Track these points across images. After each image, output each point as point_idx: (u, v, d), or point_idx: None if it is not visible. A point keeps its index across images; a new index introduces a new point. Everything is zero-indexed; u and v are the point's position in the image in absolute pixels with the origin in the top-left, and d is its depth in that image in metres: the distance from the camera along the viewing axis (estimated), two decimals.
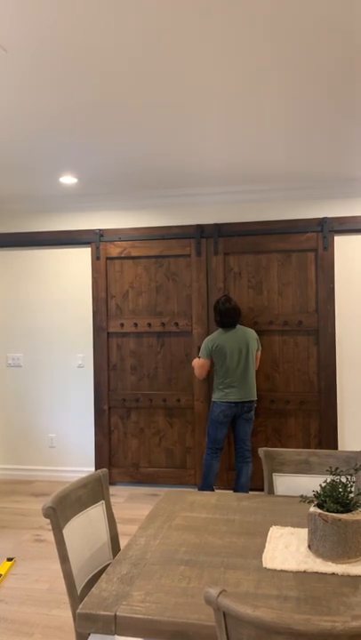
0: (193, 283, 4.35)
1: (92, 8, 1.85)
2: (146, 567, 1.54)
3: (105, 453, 4.50)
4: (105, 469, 2.04)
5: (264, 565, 1.53)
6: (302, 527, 1.80)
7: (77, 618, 1.32)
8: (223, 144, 3.25)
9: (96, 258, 4.51)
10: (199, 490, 3.82)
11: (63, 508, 1.76)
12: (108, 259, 4.51)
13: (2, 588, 2.80)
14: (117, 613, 1.30)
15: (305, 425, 4.21)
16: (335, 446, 4.17)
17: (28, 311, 4.70)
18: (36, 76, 2.34)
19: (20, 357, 4.70)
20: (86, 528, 1.87)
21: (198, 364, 3.86)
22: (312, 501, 1.63)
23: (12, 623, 2.46)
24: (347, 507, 1.57)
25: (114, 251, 4.48)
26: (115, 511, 3.75)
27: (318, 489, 2.17)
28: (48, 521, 3.45)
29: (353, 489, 2.05)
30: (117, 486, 4.48)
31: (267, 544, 1.67)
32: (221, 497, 2.14)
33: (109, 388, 4.50)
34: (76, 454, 4.61)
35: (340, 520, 1.51)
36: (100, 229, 4.48)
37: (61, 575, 2.59)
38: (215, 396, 3.80)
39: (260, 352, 3.96)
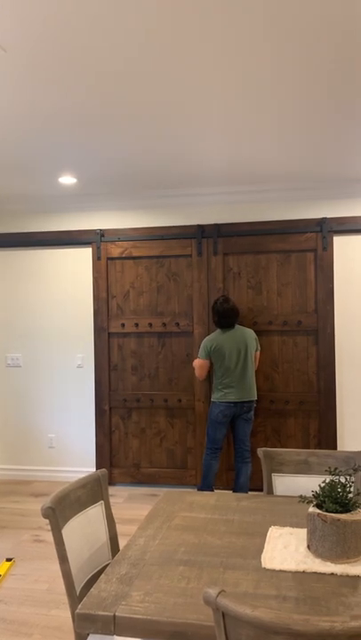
0: (194, 283, 4.35)
1: (89, 8, 1.85)
2: (145, 567, 1.54)
3: (106, 454, 4.50)
4: (104, 469, 2.04)
5: (263, 565, 1.53)
6: (301, 527, 1.80)
7: (76, 618, 1.32)
8: (223, 144, 3.25)
9: (97, 258, 4.51)
10: (198, 490, 3.82)
11: (62, 508, 1.76)
12: (108, 259, 4.51)
13: (1, 589, 2.80)
14: (116, 614, 1.30)
15: (304, 425, 4.21)
16: (334, 446, 4.17)
17: (27, 311, 4.70)
18: (33, 76, 2.35)
19: (20, 358, 4.70)
20: (85, 528, 1.87)
21: (198, 364, 3.86)
22: (311, 501, 1.63)
23: (12, 623, 2.46)
24: (346, 507, 1.57)
25: (115, 251, 4.48)
26: (114, 511, 3.75)
27: (317, 489, 2.17)
28: (47, 521, 3.45)
29: (352, 489, 2.06)
30: (117, 486, 4.47)
31: (266, 544, 1.67)
32: (221, 497, 2.14)
33: (110, 388, 4.50)
34: (75, 454, 4.61)
35: (339, 520, 1.51)
36: (100, 229, 4.48)
37: (60, 575, 2.59)
38: (214, 397, 3.81)
39: (259, 352, 3.96)
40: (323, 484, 1.65)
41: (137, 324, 4.44)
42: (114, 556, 1.91)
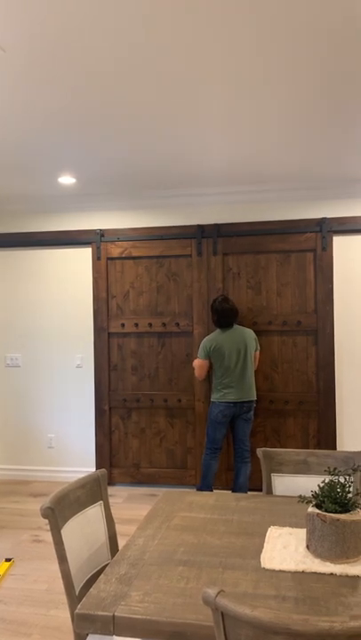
0: (194, 283, 4.35)
1: (89, 8, 1.85)
2: (144, 567, 1.54)
3: (106, 454, 4.49)
4: (104, 469, 2.04)
5: (262, 565, 1.53)
6: (301, 527, 1.80)
7: (76, 618, 1.32)
8: (223, 144, 3.25)
9: (97, 258, 4.51)
10: (198, 490, 3.82)
11: (61, 508, 1.76)
12: (108, 259, 4.51)
13: (0, 589, 2.80)
14: (116, 614, 1.30)
15: (304, 425, 4.21)
16: (334, 446, 4.17)
17: (27, 311, 4.70)
18: (32, 76, 2.34)
19: (19, 357, 4.70)
20: (85, 528, 1.87)
21: (197, 364, 3.86)
22: (310, 501, 1.63)
23: (11, 624, 2.46)
24: (345, 507, 1.57)
25: (115, 251, 4.48)
26: (113, 511, 3.75)
27: (317, 489, 2.17)
28: (46, 521, 3.45)
29: (351, 489, 2.05)
30: (116, 486, 4.47)
31: (265, 544, 1.66)
32: (220, 497, 2.14)
33: (110, 388, 4.50)
34: (75, 455, 4.61)
35: (338, 520, 1.51)
36: (100, 229, 4.48)
37: (60, 575, 2.58)
38: (214, 397, 3.80)
39: (258, 352, 3.96)
40: (322, 484, 1.65)
41: (137, 324, 4.44)
42: (113, 557, 1.91)
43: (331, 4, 1.85)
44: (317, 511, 1.56)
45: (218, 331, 3.85)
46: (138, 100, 2.60)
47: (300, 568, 1.49)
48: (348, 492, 1.61)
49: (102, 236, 4.48)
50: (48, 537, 3.45)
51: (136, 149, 3.33)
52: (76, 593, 1.71)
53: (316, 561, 1.53)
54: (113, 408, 4.50)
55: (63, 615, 2.52)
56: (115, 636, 1.35)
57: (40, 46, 2.09)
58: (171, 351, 4.40)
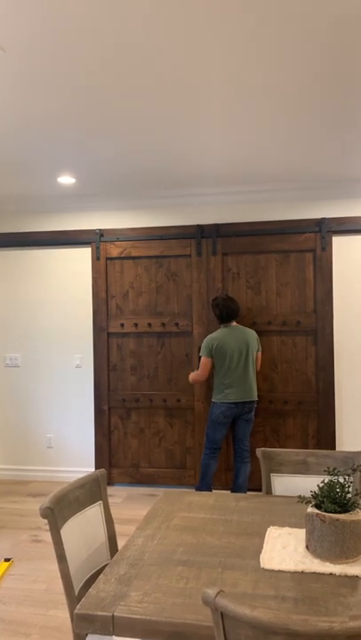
0: (193, 283, 4.35)
1: (89, 8, 1.85)
2: (143, 568, 1.54)
3: (105, 454, 4.49)
4: (103, 470, 2.04)
5: (262, 566, 1.53)
6: (300, 527, 1.80)
7: (75, 618, 1.32)
8: (222, 144, 3.25)
9: (96, 258, 4.50)
10: (196, 490, 3.82)
11: (61, 508, 1.76)
12: (108, 259, 4.51)
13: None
14: (115, 614, 1.30)
15: (303, 425, 4.22)
16: (333, 447, 4.17)
17: (26, 311, 4.70)
18: (32, 76, 2.34)
19: (19, 357, 4.70)
20: (84, 528, 1.87)
21: (201, 362, 3.82)
22: (310, 502, 1.63)
23: (10, 624, 2.46)
24: (344, 507, 1.57)
25: (114, 251, 4.48)
26: (113, 511, 3.75)
27: (316, 489, 2.17)
28: (46, 521, 3.44)
29: (351, 489, 2.06)
30: (116, 486, 4.47)
31: (264, 544, 1.66)
32: (219, 497, 2.14)
33: (109, 388, 4.50)
34: (74, 455, 4.61)
35: (337, 520, 1.51)
36: (100, 229, 4.48)
37: (59, 576, 2.58)
38: (215, 397, 3.80)
39: (260, 353, 3.96)
40: (321, 485, 1.65)
41: (136, 324, 4.44)
42: (112, 557, 1.91)
43: (331, 4, 1.85)
44: (317, 511, 1.56)
45: (220, 329, 3.84)
46: (138, 99, 2.60)
47: (300, 568, 1.49)
48: (348, 492, 1.61)
49: (102, 235, 4.48)
50: (47, 537, 3.45)
51: (136, 149, 3.33)
52: (76, 593, 1.71)
53: (316, 561, 1.53)
54: (112, 408, 4.50)
55: (62, 615, 2.52)
56: (114, 637, 1.34)
57: (40, 46, 2.09)
58: (170, 351, 4.40)
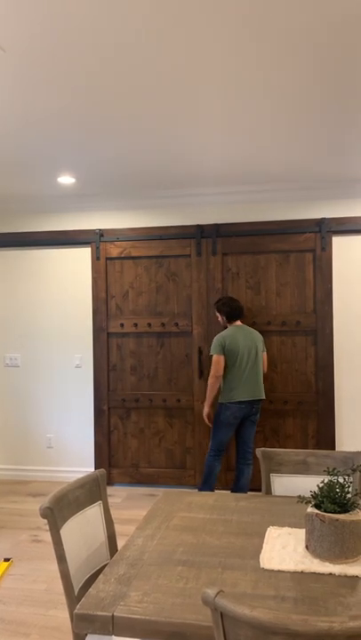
0: (193, 283, 4.35)
1: (89, 8, 1.85)
2: (143, 568, 1.54)
3: (105, 454, 4.49)
4: (103, 470, 2.04)
5: (262, 566, 1.53)
6: (300, 527, 1.80)
7: (75, 618, 1.32)
8: (223, 144, 3.25)
9: (96, 258, 4.50)
10: (199, 490, 3.81)
11: (60, 508, 1.76)
12: (107, 259, 4.51)
13: None
14: (115, 614, 1.30)
15: (303, 425, 4.22)
16: (333, 447, 4.17)
17: (26, 311, 4.70)
18: (31, 76, 2.34)
19: (18, 357, 4.70)
20: (84, 528, 1.87)
21: (214, 360, 3.71)
22: (310, 502, 1.63)
23: (10, 624, 2.46)
24: (344, 507, 1.57)
25: (114, 251, 4.48)
26: (112, 512, 3.75)
27: (316, 489, 2.17)
28: (45, 521, 3.44)
29: (350, 489, 2.06)
30: (115, 486, 4.47)
31: (264, 544, 1.66)
32: (219, 497, 2.14)
33: (109, 388, 4.50)
34: (74, 455, 4.61)
35: (337, 520, 1.51)
36: (99, 229, 4.48)
37: (59, 575, 2.58)
38: (224, 398, 3.73)
39: (265, 353, 3.96)
40: (321, 485, 1.65)
41: (136, 324, 4.43)
42: (112, 557, 1.91)
43: (331, 4, 1.85)
44: (317, 511, 1.56)
45: (229, 328, 3.82)
46: (138, 99, 2.60)
47: (300, 568, 1.50)
48: (348, 492, 1.61)
49: (102, 235, 4.48)
50: (47, 537, 3.45)
51: (136, 149, 3.33)
52: (75, 593, 1.71)
53: (315, 561, 1.53)
54: (112, 408, 4.50)
55: (62, 615, 2.52)
56: (114, 637, 1.35)
57: (40, 46, 2.09)
58: (170, 351, 4.40)
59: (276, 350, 4.25)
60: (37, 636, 2.36)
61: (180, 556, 1.61)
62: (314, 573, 1.48)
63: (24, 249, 4.69)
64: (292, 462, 2.29)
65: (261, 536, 1.75)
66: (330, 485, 1.62)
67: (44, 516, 1.69)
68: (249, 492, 3.94)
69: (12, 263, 4.72)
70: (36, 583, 2.84)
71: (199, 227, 4.31)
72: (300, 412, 4.22)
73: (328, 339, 4.16)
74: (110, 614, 1.30)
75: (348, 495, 1.62)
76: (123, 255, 4.46)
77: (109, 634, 1.29)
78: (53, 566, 3.02)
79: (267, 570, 1.51)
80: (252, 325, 4.24)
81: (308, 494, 2.23)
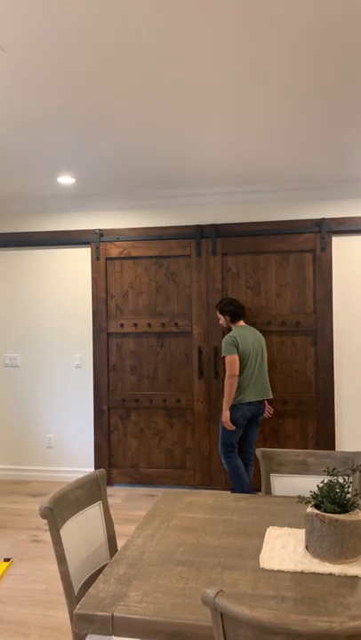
0: (193, 283, 4.35)
1: (89, 8, 1.85)
2: (143, 568, 1.54)
3: (104, 454, 4.49)
4: (102, 469, 2.04)
5: (261, 566, 1.53)
6: (300, 528, 1.80)
7: (75, 618, 1.32)
8: (222, 144, 3.25)
9: (96, 258, 4.50)
10: (239, 492, 3.68)
11: (60, 508, 1.76)
12: (107, 259, 4.50)
13: None
14: (115, 614, 1.30)
15: (303, 425, 4.22)
16: (333, 447, 4.17)
17: (26, 311, 4.70)
18: (31, 76, 2.34)
19: (18, 357, 4.70)
20: (84, 528, 1.87)
21: (229, 360, 3.65)
22: (309, 502, 1.63)
23: (9, 624, 2.46)
24: (344, 507, 1.57)
25: (114, 251, 4.48)
26: (112, 512, 3.75)
27: (316, 489, 2.17)
28: (45, 521, 3.45)
29: (350, 489, 2.06)
30: (115, 487, 4.47)
31: (264, 544, 1.66)
32: (219, 497, 2.14)
33: (109, 388, 4.50)
34: (74, 455, 4.61)
35: (337, 520, 1.51)
36: (99, 229, 4.48)
37: (58, 576, 2.58)
38: (235, 399, 3.69)
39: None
40: (321, 485, 1.65)
41: (136, 325, 4.43)
42: (112, 557, 1.91)
43: (331, 4, 1.85)
44: (316, 511, 1.56)
45: (236, 329, 3.82)
46: (138, 99, 2.60)
47: (299, 568, 1.50)
48: (347, 492, 1.61)
49: (101, 236, 4.48)
50: (47, 537, 3.45)
51: (136, 149, 3.33)
52: (75, 593, 1.71)
53: (315, 561, 1.53)
54: (112, 408, 4.50)
55: (62, 615, 2.52)
56: (113, 637, 1.34)
57: (40, 46, 2.09)
58: (170, 351, 4.40)
59: (275, 350, 4.25)
60: (37, 636, 2.36)
61: (180, 556, 1.61)
62: (314, 573, 1.48)
63: (24, 249, 4.69)
64: (292, 462, 2.29)
65: (261, 536, 1.75)
66: (330, 485, 1.62)
67: (43, 516, 1.69)
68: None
69: (12, 263, 4.72)
70: (36, 583, 2.84)
71: (199, 227, 4.31)
72: (299, 412, 4.22)
73: (328, 339, 4.16)
74: (110, 614, 1.30)
75: (348, 495, 1.62)
76: (123, 255, 4.46)
77: (109, 634, 1.29)
78: (53, 566, 3.02)
79: (267, 570, 1.51)
80: (253, 325, 4.24)
81: (307, 494, 2.23)
